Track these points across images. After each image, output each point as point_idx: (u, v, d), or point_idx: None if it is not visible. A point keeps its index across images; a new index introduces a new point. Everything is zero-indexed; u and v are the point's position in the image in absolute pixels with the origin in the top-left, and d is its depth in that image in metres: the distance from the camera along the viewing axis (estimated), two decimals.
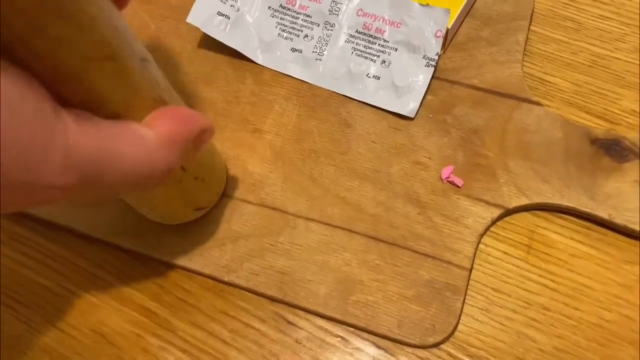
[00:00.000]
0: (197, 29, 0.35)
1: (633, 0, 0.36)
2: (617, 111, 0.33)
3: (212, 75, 0.35)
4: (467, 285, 0.29)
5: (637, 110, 0.33)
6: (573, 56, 0.35)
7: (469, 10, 0.35)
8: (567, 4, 0.36)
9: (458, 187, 0.31)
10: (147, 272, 0.31)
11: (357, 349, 0.28)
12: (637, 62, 0.34)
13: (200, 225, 0.31)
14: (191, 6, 0.35)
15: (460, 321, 0.29)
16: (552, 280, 0.29)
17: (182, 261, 0.30)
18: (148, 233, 0.31)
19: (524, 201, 0.30)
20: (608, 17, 0.36)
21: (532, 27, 0.35)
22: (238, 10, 0.34)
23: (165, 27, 0.37)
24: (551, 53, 0.35)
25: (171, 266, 0.31)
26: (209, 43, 0.35)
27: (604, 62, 0.34)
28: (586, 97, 0.34)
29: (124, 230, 0.31)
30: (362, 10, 0.34)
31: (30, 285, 0.31)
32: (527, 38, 0.35)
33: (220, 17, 0.34)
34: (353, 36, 0.34)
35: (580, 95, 0.34)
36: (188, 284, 0.30)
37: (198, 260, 0.30)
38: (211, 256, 0.30)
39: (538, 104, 0.33)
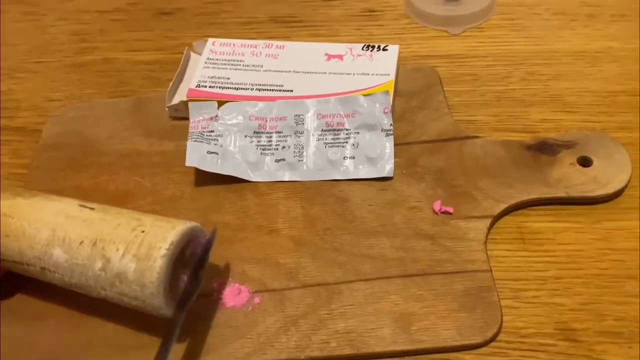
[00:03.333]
0: (188, 173, 0.41)
1: (504, 48, 0.48)
2: (531, 123, 0.43)
3: (216, 203, 0.40)
4: (494, 282, 0.35)
5: (545, 118, 0.43)
6: (482, 98, 0.45)
7: (396, 91, 0.45)
8: (461, 65, 0.47)
9: (451, 213, 0.38)
10: None
11: None
12: (527, 87, 0.45)
13: (260, 321, 0.34)
14: (173, 159, 0.41)
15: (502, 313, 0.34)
16: (552, 256, 0.36)
17: (256, 356, 0.33)
18: (216, 336, 0.33)
19: (502, 207, 0.38)
20: (493, 65, 0.47)
21: (445, 88, 0.45)
22: (222, 146, 0.41)
23: (159, 181, 0.42)
24: (467, 100, 0.45)
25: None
26: (204, 180, 0.41)
27: (498, 95, 0.45)
28: (506, 122, 0.43)
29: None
30: (320, 114, 0.42)
31: None
32: (445, 96, 0.45)
33: (211, 155, 0.40)
34: (321, 134, 0.41)
35: (501, 121, 0.43)
36: None
37: (271, 351, 0.33)
38: (280, 343, 0.33)
39: (476, 137, 0.42)
